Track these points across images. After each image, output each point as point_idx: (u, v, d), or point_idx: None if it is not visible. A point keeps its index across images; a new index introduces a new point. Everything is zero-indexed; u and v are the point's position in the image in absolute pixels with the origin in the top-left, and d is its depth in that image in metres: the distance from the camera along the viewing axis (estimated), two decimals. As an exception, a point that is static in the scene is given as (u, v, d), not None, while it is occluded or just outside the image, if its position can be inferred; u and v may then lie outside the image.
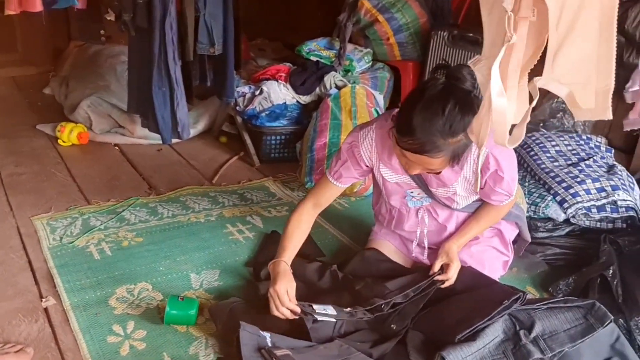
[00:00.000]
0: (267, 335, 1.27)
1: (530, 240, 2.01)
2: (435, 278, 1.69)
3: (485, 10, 1.10)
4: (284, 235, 1.77)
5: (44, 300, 1.84)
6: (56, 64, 4.30)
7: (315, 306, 1.58)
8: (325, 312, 1.57)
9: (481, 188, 1.71)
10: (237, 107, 3.22)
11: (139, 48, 2.64)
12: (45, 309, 1.80)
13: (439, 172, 1.63)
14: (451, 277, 1.69)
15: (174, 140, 2.90)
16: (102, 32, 3.12)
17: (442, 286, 1.69)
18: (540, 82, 1.00)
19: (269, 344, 1.24)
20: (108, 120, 3.33)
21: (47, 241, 2.18)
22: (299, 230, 1.78)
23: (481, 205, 1.82)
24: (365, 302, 1.65)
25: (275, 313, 1.57)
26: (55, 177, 2.79)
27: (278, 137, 3.10)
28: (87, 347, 1.63)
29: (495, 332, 1.48)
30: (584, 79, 0.99)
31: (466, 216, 1.84)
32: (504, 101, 1.02)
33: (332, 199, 1.87)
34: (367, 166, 1.79)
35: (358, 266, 1.91)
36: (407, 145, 1.51)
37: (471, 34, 3.16)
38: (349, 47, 3.39)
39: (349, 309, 1.62)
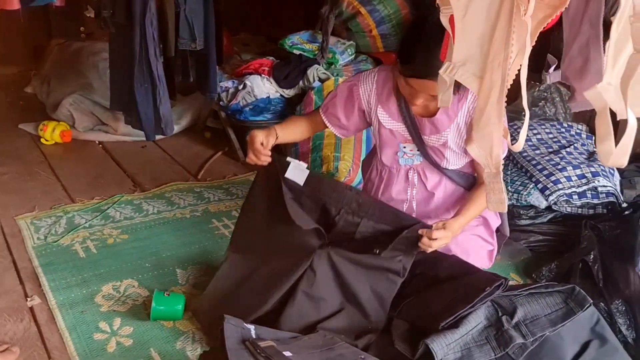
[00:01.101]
0: (251, 327, 1.28)
1: (508, 235, 2.03)
2: (420, 230, 1.59)
3: (459, 13, 1.05)
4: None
5: (29, 299, 1.83)
6: (37, 63, 4.25)
7: (289, 158, 1.70)
8: (298, 165, 1.67)
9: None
10: (221, 102, 3.21)
11: (119, 45, 2.63)
12: (31, 308, 1.80)
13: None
14: (436, 239, 1.58)
15: (158, 137, 2.89)
16: (82, 29, 3.09)
17: (420, 249, 1.62)
18: (601, 87, 0.92)
19: (254, 336, 1.25)
20: (91, 118, 3.31)
21: (31, 240, 2.17)
22: (296, 124, 1.92)
23: (475, 184, 1.83)
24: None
25: (248, 159, 1.73)
26: (39, 176, 2.77)
27: (262, 131, 3.10)
28: (73, 345, 1.63)
29: (478, 318, 1.50)
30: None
31: (454, 188, 1.85)
32: (634, 118, 0.92)
33: (323, 127, 1.95)
34: (360, 108, 1.84)
35: None
36: (411, 71, 1.58)
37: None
38: (332, 39, 3.38)
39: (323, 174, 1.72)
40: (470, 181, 1.87)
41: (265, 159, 1.71)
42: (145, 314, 1.77)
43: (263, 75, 3.20)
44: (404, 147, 1.83)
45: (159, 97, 2.59)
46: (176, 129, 3.24)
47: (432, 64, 1.48)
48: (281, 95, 3.20)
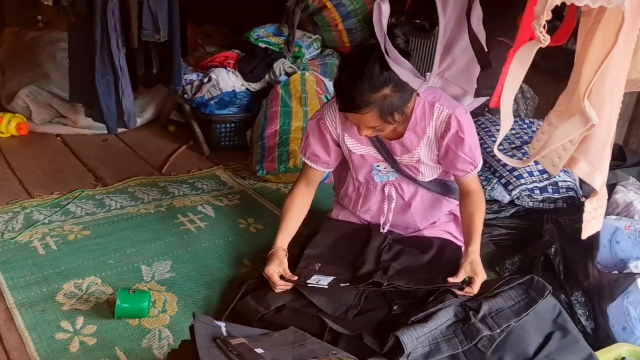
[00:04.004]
0: (222, 324, 1.26)
1: None
2: (458, 293, 1.58)
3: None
4: (280, 218, 1.85)
5: (-15, 299, 1.77)
6: (-10, 51, 4.08)
7: (309, 280, 1.68)
8: (318, 283, 1.67)
9: (444, 157, 1.74)
10: (185, 95, 3.16)
11: (79, 35, 2.55)
12: (-13, 308, 1.73)
13: (385, 131, 1.66)
14: (475, 291, 1.59)
15: (120, 130, 2.83)
16: (39, 17, 2.97)
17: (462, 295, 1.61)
18: None
19: (224, 333, 1.24)
20: (49, 110, 3.20)
21: (-14, 237, 2.09)
22: (292, 211, 1.85)
23: (460, 203, 1.82)
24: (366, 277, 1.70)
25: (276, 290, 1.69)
26: (-6, 170, 2.67)
27: (228, 125, 3.07)
28: (33, 345, 1.58)
29: (447, 314, 1.53)
30: None
31: (430, 195, 1.87)
32: None
33: (318, 177, 1.90)
34: (333, 139, 1.82)
35: (326, 229, 1.96)
36: (341, 105, 1.59)
37: (418, 20, 3.21)
38: (298, 33, 3.37)
39: (347, 284, 1.68)
40: (444, 187, 1.90)
41: (287, 286, 1.69)
42: (109, 312, 1.73)
43: (228, 69, 3.16)
44: (378, 166, 1.83)
45: (121, 89, 2.53)
46: (139, 122, 3.17)
47: (355, 97, 1.53)
48: (247, 88, 3.18)
